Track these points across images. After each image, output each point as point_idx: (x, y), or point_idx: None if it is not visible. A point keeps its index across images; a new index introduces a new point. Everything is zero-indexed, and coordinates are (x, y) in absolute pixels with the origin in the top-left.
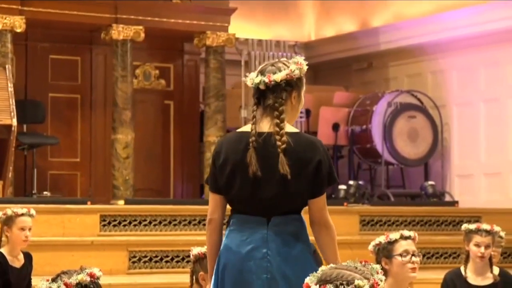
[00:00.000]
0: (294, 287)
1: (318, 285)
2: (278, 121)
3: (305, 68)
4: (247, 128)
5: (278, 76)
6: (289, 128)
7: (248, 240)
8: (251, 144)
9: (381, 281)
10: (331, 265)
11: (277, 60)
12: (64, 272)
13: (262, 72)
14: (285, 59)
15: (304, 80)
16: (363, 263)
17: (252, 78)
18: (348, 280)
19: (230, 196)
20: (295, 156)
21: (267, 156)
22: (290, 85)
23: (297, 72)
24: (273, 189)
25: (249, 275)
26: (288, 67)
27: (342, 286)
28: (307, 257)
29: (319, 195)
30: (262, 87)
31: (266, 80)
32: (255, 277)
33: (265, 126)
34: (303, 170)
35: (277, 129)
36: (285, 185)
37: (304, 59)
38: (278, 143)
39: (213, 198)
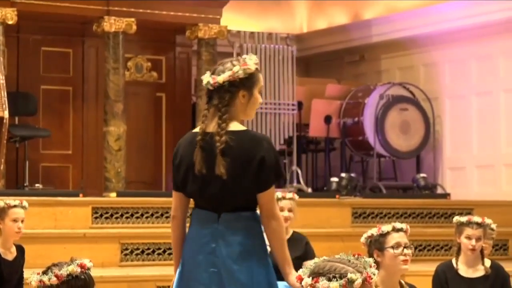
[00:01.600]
0: (239, 282)
1: (311, 278)
2: (220, 121)
3: (252, 67)
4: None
5: (221, 78)
6: (236, 126)
7: (201, 235)
8: (197, 144)
9: (374, 274)
10: (324, 257)
11: (229, 59)
12: (54, 265)
13: (213, 72)
14: (239, 57)
15: (257, 77)
16: (356, 256)
17: (204, 78)
18: (341, 273)
19: (186, 193)
20: (236, 155)
21: (211, 155)
22: (234, 85)
23: (240, 72)
24: (216, 187)
25: (198, 268)
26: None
27: (335, 279)
28: (254, 254)
29: (265, 189)
30: (210, 87)
31: (211, 82)
32: (203, 270)
33: (212, 126)
34: (245, 167)
35: (218, 129)
36: (224, 184)
37: (297, 51)
38: (217, 143)
39: (174, 196)
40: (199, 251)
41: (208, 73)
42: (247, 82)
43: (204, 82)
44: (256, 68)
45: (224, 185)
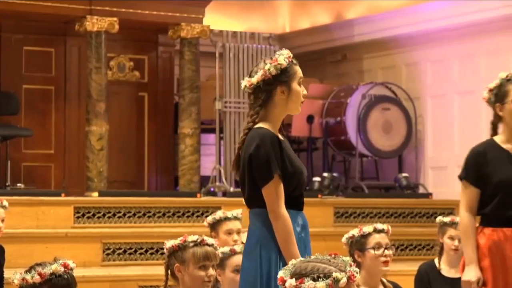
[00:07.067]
0: (245, 279)
1: (294, 279)
2: (248, 120)
3: (283, 62)
4: None
5: (255, 79)
6: (261, 124)
7: None
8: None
9: (357, 273)
10: (301, 258)
11: (263, 59)
12: (38, 264)
13: (250, 75)
14: (276, 53)
15: (293, 70)
16: (333, 255)
17: (242, 83)
18: (325, 273)
19: None
20: (243, 152)
21: None
22: (269, 83)
23: (272, 69)
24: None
25: None
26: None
27: (320, 279)
28: (255, 252)
29: (261, 187)
30: (248, 90)
31: (247, 84)
32: None
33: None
34: (243, 165)
35: (245, 128)
36: (239, 181)
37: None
38: (239, 143)
39: None
40: None
41: (246, 78)
42: (281, 77)
43: (242, 86)
44: (291, 61)
45: (239, 180)
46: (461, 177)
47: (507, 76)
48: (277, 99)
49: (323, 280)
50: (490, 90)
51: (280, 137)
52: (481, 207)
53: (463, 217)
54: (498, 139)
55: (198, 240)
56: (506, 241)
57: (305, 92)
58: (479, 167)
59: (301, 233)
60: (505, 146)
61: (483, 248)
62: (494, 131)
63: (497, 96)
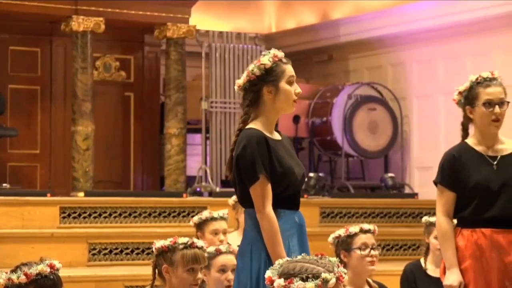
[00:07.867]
0: (238, 279)
1: (283, 279)
2: (240, 121)
3: (267, 62)
4: None
5: (240, 81)
6: (252, 124)
7: None
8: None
9: (345, 274)
10: (287, 258)
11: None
12: (24, 264)
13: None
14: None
15: (280, 69)
16: (319, 256)
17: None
18: (313, 273)
19: None
20: (234, 153)
21: None
22: (255, 84)
23: (255, 70)
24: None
25: None
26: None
27: (310, 280)
28: (247, 252)
29: (248, 186)
30: (239, 92)
31: (236, 86)
32: None
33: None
34: (234, 165)
35: (237, 129)
36: (232, 180)
37: (265, 51)
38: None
39: None
40: None
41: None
42: (267, 77)
43: (235, 88)
44: (278, 61)
45: (232, 183)
46: (436, 182)
47: (477, 79)
48: (266, 99)
49: (312, 280)
50: (460, 93)
51: (277, 136)
52: (459, 210)
53: (441, 221)
54: (470, 141)
55: (188, 243)
56: (486, 241)
57: (298, 90)
58: (455, 171)
59: (297, 232)
60: (478, 148)
61: (463, 249)
62: (465, 132)
63: (467, 99)
